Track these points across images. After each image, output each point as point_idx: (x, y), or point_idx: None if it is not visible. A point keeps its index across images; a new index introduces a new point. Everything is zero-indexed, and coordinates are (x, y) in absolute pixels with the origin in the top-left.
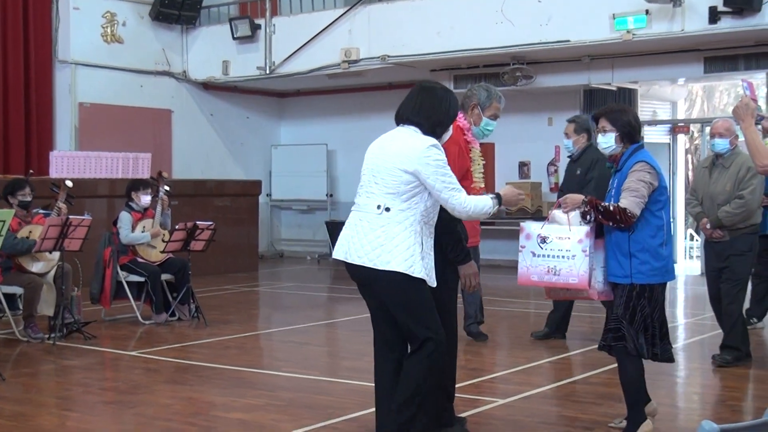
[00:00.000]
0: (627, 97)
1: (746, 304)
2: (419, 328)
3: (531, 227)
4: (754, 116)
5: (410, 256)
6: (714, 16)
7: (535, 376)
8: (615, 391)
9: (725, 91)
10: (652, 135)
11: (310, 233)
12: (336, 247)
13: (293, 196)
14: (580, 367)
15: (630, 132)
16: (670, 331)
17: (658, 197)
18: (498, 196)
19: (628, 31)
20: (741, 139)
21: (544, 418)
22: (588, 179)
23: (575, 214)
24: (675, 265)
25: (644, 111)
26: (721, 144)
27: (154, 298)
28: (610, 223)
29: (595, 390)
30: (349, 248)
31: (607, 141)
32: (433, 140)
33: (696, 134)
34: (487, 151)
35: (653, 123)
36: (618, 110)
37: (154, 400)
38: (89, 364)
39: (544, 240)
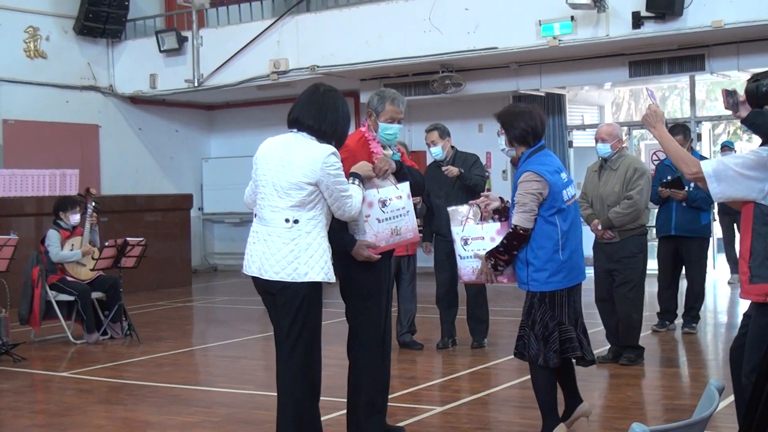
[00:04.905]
0: (555, 103)
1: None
2: (313, 334)
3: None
4: (664, 122)
5: (325, 263)
6: (637, 21)
7: (472, 382)
8: None
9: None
10: (580, 139)
11: (243, 246)
12: (246, 261)
13: (225, 209)
14: (516, 372)
15: (522, 135)
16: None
17: (551, 204)
18: (356, 175)
19: (554, 38)
20: (625, 144)
21: (482, 424)
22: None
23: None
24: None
25: (572, 116)
26: (604, 149)
27: (85, 317)
28: (517, 251)
29: (531, 394)
30: (263, 264)
31: (501, 144)
32: (332, 148)
33: (624, 137)
34: (419, 158)
35: (581, 128)
36: (510, 113)
37: (87, 422)
38: (19, 387)
39: (384, 203)
